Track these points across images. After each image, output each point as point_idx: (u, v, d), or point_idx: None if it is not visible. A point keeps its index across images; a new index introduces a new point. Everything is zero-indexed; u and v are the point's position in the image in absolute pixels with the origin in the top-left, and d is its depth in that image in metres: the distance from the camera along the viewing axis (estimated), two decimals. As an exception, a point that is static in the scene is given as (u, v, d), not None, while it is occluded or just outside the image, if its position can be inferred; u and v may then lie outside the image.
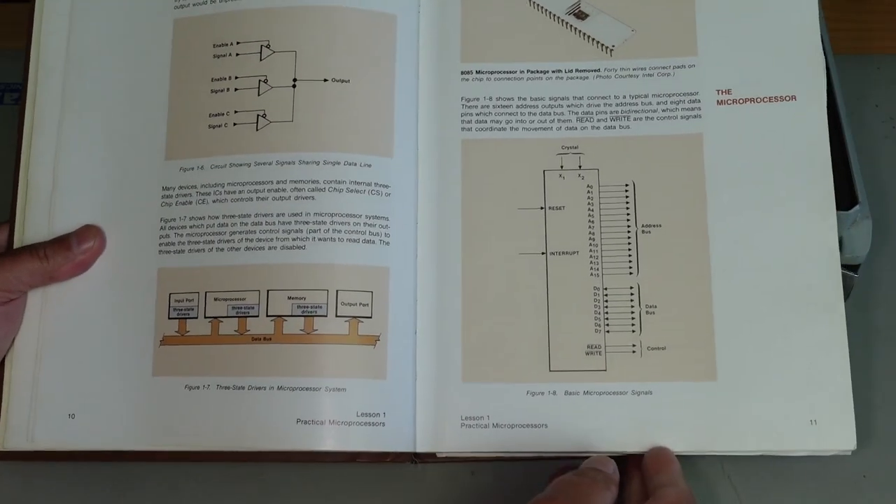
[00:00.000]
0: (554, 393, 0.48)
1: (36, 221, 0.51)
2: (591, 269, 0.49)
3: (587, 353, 0.48)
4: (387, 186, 0.49)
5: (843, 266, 0.48)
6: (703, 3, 0.51)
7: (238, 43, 0.51)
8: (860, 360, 0.50)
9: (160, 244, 0.50)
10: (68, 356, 0.49)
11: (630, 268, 0.49)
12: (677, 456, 0.46)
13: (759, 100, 0.49)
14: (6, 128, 0.53)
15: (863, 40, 0.61)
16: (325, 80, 0.50)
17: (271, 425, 0.47)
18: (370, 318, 0.48)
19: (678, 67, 0.50)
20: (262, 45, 0.51)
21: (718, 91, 0.50)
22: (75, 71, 0.52)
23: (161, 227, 0.50)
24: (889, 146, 0.57)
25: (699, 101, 0.50)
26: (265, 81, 0.51)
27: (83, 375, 0.49)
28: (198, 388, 0.48)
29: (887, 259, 0.54)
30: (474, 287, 0.49)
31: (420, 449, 0.48)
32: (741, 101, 0.50)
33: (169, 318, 0.49)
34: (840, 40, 0.56)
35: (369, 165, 0.49)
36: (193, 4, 0.52)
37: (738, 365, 0.47)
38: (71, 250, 0.49)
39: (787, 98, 0.49)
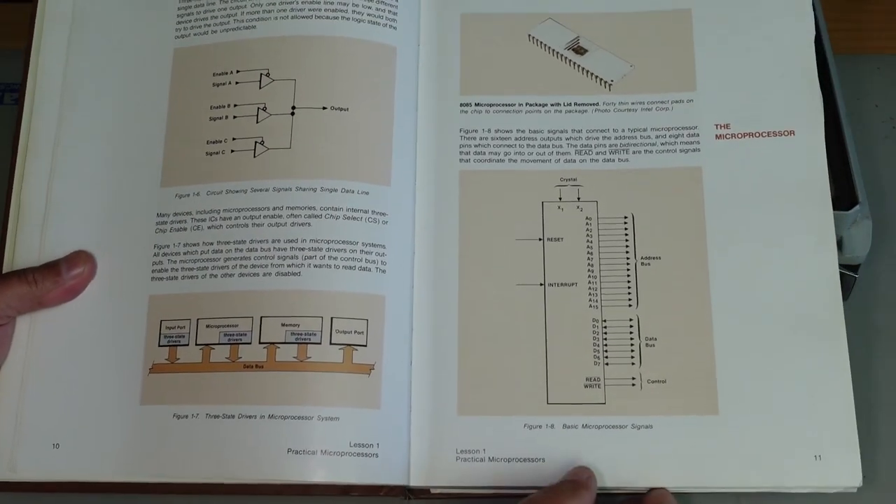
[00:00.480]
0: (552, 426, 0.48)
1: (27, 244, 0.51)
2: (590, 300, 0.49)
3: (586, 386, 0.48)
4: (384, 214, 0.50)
5: (843, 266, 0.49)
6: (702, 39, 0.52)
7: (238, 71, 0.52)
8: (860, 361, 0.50)
9: (153, 271, 0.50)
10: (54, 383, 0.49)
11: (629, 300, 0.49)
12: (679, 492, 0.46)
13: (757, 134, 0.51)
14: (6, 128, 0.54)
15: (863, 40, 0.62)
16: (324, 108, 0.51)
17: (261, 455, 0.47)
18: (365, 346, 0.48)
19: (677, 102, 0.52)
20: (261, 74, 0.52)
21: (717, 125, 0.51)
22: (72, 96, 0.53)
23: (154, 254, 0.50)
24: (889, 146, 0.58)
25: (698, 135, 0.51)
26: (264, 109, 0.52)
27: (68, 404, 0.49)
28: (186, 416, 0.48)
29: (887, 259, 0.55)
30: (471, 318, 0.49)
31: (414, 482, 0.47)
32: (740, 136, 0.51)
33: (159, 346, 0.49)
34: (840, 40, 0.57)
35: (367, 193, 0.50)
36: (194, 34, 0.54)
37: (740, 398, 0.47)
38: (60, 276, 0.49)
39: (786, 133, 0.50)
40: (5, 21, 0.64)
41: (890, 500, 0.49)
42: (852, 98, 0.58)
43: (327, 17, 0.52)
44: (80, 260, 0.50)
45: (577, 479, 0.45)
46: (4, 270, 0.51)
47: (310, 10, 0.52)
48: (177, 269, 0.50)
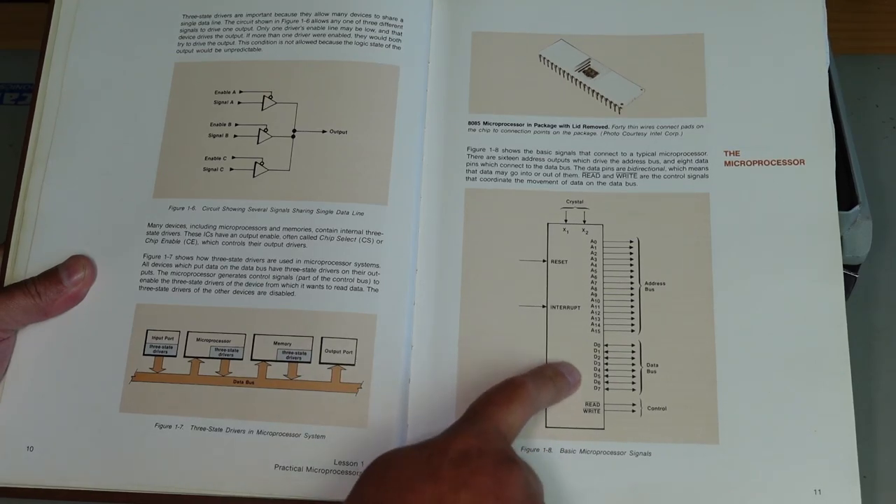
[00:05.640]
0: (549, 450, 0.53)
1: (23, 250, 0.57)
2: (592, 324, 0.55)
3: (585, 411, 0.53)
4: (379, 234, 0.56)
5: (844, 266, 0.54)
6: (713, 64, 0.59)
7: (240, 92, 0.60)
8: (860, 361, 0.56)
9: (141, 280, 0.56)
10: (31, 384, 0.55)
11: (632, 325, 0.55)
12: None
13: (767, 162, 0.56)
14: (5, 127, 0.60)
15: (863, 40, 0.69)
16: (324, 132, 0.58)
17: (248, 469, 0.52)
18: (353, 365, 0.54)
19: (686, 127, 0.58)
20: (264, 96, 0.59)
21: (726, 152, 0.57)
22: (68, 102, 0.60)
23: (144, 264, 0.57)
24: (889, 146, 0.65)
25: (707, 160, 0.57)
26: (265, 130, 0.59)
27: (45, 406, 0.54)
28: (170, 426, 0.54)
29: (887, 259, 0.61)
30: (472, 337, 0.55)
31: (408, 503, 0.53)
32: (749, 163, 0.57)
33: (144, 355, 0.55)
34: (840, 40, 0.63)
35: (361, 213, 0.56)
36: (197, 51, 0.61)
37: (741, 429, 0.52)
38: (62, 284, 0.55)
39: (796, 162, 0.56)
40: (6, 21, 0.72)
41: (890, 499, 0.54)
42: (853, 98, 0.65)
43: (331, 42, 0.60)
44: (79, 265, 0.56)
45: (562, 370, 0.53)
46: (6, 278, 0.57)
47: (314, 35, 0.60)
48: (167, 281, 0.56)
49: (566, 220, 0.57)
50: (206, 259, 0.57)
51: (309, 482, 0.52)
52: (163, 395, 0.54)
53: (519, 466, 0.46)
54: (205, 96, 0.60)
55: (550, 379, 0.52)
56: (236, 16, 0.61)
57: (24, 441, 0.54)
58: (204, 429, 0.53)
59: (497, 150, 0.58)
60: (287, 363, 0.54)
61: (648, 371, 0.54)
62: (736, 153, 0.57)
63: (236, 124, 0.59)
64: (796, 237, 0.55)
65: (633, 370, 0.54)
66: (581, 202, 0.57)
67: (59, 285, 0.55)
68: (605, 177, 0.57)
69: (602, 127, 0.58)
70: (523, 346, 0.55)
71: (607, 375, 0.54)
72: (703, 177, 0.57)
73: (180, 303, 0.56)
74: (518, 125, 0.59)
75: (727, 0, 0.60)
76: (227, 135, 0.59)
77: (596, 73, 0.59)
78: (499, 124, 0.59)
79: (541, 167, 0.58)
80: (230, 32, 0.61)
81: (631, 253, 0.56)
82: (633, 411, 0.53)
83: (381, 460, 0.47)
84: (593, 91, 0.59)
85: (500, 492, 0.45)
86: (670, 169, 0.57)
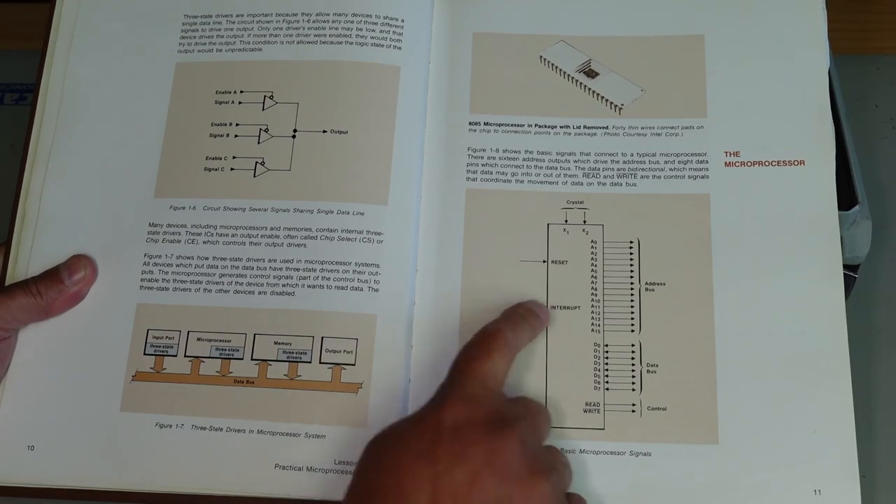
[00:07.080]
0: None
1: (24, 250, 0.58)
2: (593, 324, 0.55)
3: (585, 411, 0.54)
4: (379, 234, 0.57)
5: (844, 266, 0.55)
6: (714, 65, 0.59)
7: (241, 91, 0.60)
8: (860, 361, 0.56)
9: (142, 280, 0.57)
10: (32, 384, 0.55)
11: (632, 325, 0.55)
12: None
13: (767, 163, 0.57)
14: (6, 127, 0.61)
15: (863, 40, 0.70)
16: (324, 132, 0.59)
17: (249, 469, 0.53)
18: (353, 365, 0.55)
19: (687, 128, 0.58)
20: (265, 96, 0.60)
21: (727, 153, 0.58)
22: (69, 103, 0.61)
23: (144, 263, 0.57)
24: (889, 146, 0.65)
25: (707, 161, 0.58)
26: (266, 130, 0.59)
27: (46, 406, 0.55)
28: (170, 426, 0.54)
29: (887, 259, 0.62)
30: None
31: (408, 502, 0.53)
32: (749, 164, 0.57)
33: (144, 354, 0.56)
34: (840, 40, 0.64)
35: (362, 214, 0.57)
36: (198, 51, 0.62)
37: (741, 429, 0.52)
38: (63, 283, 0.56)
39: (796, 163, 0.57)
40: (6, 21, 0.73)
41: (890, 499, 0.54)
42: (853, 98, 0.66)
43: (332, 43, 0.60)
44: (80, 264, 0.57)
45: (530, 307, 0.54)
46: (6, 277, 0.58)
47: (315, 35, 0.61)
48: (168, 280, 0.57)
49: (566, 221, 0.57)
50: (207, 259, 0.57)
51: (309, 482, 0.53)
52: (163, 395, 0.55)
53: (511, 426, 0.47)
54: (206, 96, 0.60)
55: (523, 318, 0.53)
56: (237, 16, 0.62)
57: (24, 441, 0.54)
58: (204, 428, 0.54)
59: (497, 150, 0.59)
60: (287, 363, 0.55)
61: (648, 371, 0.54)
62: (736, 154, 0.58)
63: (237, 124, 0.60)
64: (796, 237, 0.55)
65: (633, 370, 0.54)
66: (581, 203, 0.57)
67: (60, 284, 0.56)
68: (605, 177, 0.58)
69: (602, 128, 0.59)
70: (524, 347, 0.55)
71: (607, 376, 0.54)
72: (703, 177, 0.57)
73: (181, 302, 0.57)
74: (518, 126, 0.59)
75: (728, 1, 0.60)
76: (227, 135, 0.60)
77: (596, 74, 0.60)
78: (499, 125, 0.59)
79: (541, 168, 0.58)
80: (231, 32, 0.62)
81: (631, 253, 0.56)
82: (633, 411, 0.54)
83: (376, 442, 0.48)
84: (594, 92, 0.60)
85: (494, 460, 0.45)
86: (671, 169, 0.58)
